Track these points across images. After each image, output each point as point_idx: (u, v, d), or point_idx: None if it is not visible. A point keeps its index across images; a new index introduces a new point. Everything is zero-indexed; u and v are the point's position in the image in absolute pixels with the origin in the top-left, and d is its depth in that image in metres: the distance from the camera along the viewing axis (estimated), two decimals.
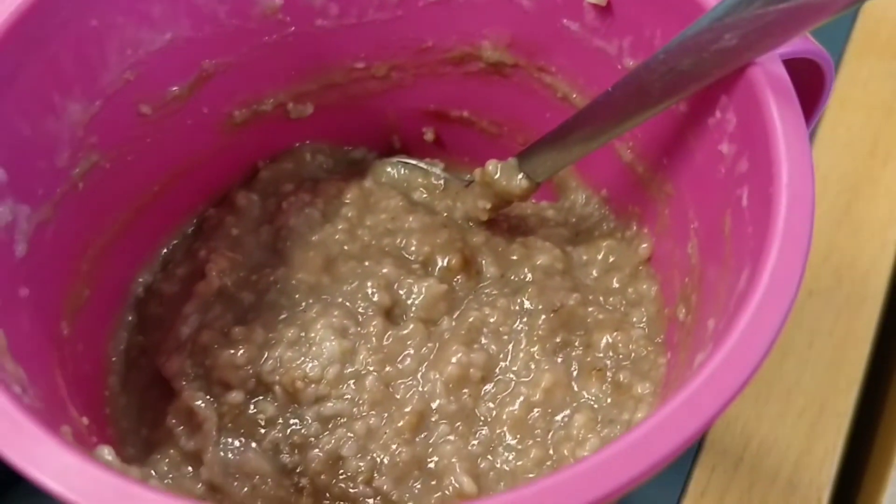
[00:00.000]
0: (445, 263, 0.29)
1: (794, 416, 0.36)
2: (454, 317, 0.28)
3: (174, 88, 0.28)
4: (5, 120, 0.23)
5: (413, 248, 0.29)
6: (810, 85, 0.27)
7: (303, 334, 0.27)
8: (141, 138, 0.28)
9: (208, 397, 0.26)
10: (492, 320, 0.27)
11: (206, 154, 0.30)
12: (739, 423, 0.36)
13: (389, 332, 0.27)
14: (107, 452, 0.20)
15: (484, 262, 0.29)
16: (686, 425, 0.17)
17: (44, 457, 0.16)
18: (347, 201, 0.31)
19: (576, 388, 0.26)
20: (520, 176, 0.28)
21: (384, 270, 0.28)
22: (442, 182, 0.32)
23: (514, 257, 0.29)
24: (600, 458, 0.17)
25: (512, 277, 0.29)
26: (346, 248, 0.29)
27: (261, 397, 0.27)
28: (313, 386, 0.26)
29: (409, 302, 0.28)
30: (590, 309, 0.27)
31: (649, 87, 0.24)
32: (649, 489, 0.34)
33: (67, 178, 0.26)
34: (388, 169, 0.32)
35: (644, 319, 0.27)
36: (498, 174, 0.29)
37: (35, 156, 0.24)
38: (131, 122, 0.27)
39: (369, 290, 0.28)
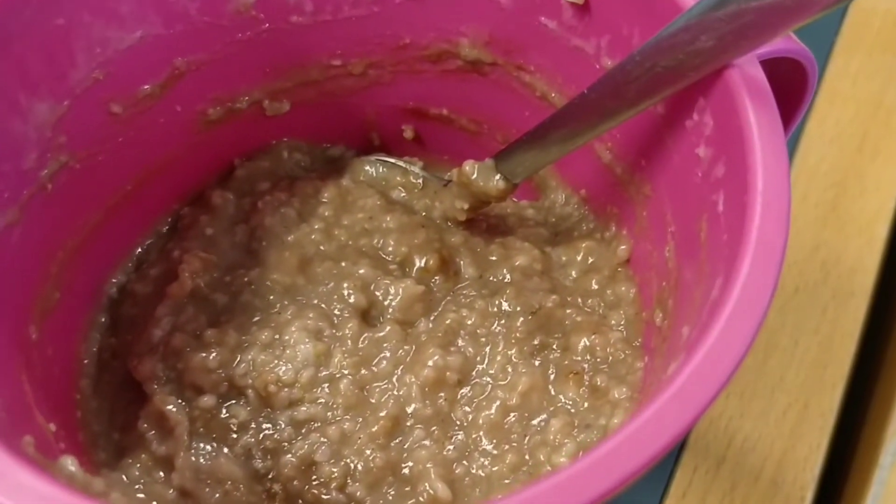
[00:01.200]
0: (423, 264, 0.29)
1: (778, 414, 0.36)
2: (431, 319, 0.27)
3: (146, 87, 0.28)
4: None
5: (391, 249, 0.29)
6: (794, 83, 0.27)
7: (277, 337, 0.27)
8: (112, 138, 0.27)
9: (180, 401, 0.26)
10: (469, 322, 0.27)
11: (181, 152, 0.30)
12: (723, 420, 0.36)
13: (365, 335, 0.27)
14: (70, 463, 0.20)
15: (462, 262, 0.29)
16: (655, 439, 0.17)
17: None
18: (324, 200, 0.30)
19: (553, 392, 0.26)
20: (497, 177, 0.28)
21: (361, 271, 0.28)
22: (420, 181, 0.31)
23: (493, 258, 0.29)
24: (571, 473, 0.17)
25: (490, 278, 0.29)
26: (322, 248, 0.29)
27: (233, 401, 0.26)
28: (287, 390, 0.26)
29: (385, 303, 0.28)
30: (568, 311, 0.27)
31: (626, 88, 0.23)
32: (630, 490, 0.34)
33: (35, 179, 0.25)
34: (367, 167, 0.32)
35: (622, 322, 0.27)
36: (475, 175, 0.28)
37: (1, 158, 0.24)
38: (102, 122, 0.27)
39: (345, 292, 0.28)
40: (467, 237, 0.30)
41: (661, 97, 0.23)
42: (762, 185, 0.20)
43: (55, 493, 0.16)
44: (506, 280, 0.28)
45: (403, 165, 0.32)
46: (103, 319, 0.29)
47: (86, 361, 0.28)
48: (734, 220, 0.20)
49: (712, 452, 0.35)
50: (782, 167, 0.20)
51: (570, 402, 0.26)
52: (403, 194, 0.31)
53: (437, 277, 0.28)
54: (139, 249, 0.30)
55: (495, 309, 0.27)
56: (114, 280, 0.29)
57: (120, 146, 0.28)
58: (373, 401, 0.26)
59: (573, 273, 0.29)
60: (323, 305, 0.28)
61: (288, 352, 0.26)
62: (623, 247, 0.28)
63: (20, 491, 0.16)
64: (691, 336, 0.20)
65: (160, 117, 0.29)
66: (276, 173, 0.31)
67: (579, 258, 0.29)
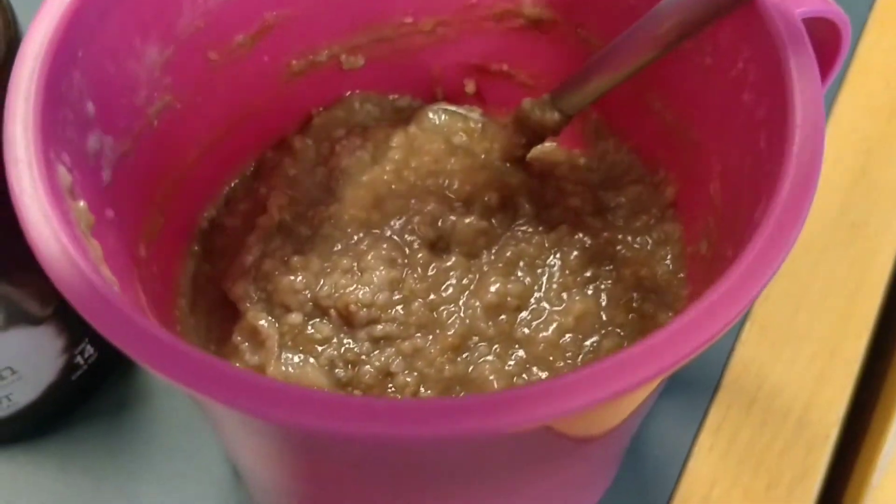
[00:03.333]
0: (486, 201, 0.31)
1: (805, 361, 0.39)
2: (493, 252, 0.30)
3: (239, 37, 0.31)
4: (95, 60, 0.26)
5: (455, 188, 0.32)
6: (828, 45, 0.29)
7: (355, 264, 0.30)
8: (209, 82, 0.30)
9: (270, 318, 0.29)
10: (527, 254, 0.30)
11: (267, 100, 0.33)
12: (754, 367, 0.39)
13: (434, 264, 0.30)
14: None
15: (520, 201, 0.31)
16: (707, 328, 0.19)
17: (150, 341, 0.19)
18: (394, 145, 0.33)
19: (604, 318, 0.28)
20: (552, 111, 0.31)
21: (428, 208, 0.31)
22: (480, 126, 0.34)
23: (548, 198, 0.32)
24: (658, 338, 0.19)
25: (546, 217, 0.31)
26: (393, 187, 0.32)
27: (317, 319, 0.29)
28: (365, 310, 0.29)
29: (451, 237, 0.30)
30: (618, 248, 0.30)
31: (666, 20, 0.26)
32: (668, 424, 0.37)
33: (144, 115, 0.28)
34: (430, 115, 0.34)
35: (669, 257, 0.30)
36: (533, 109, 0.31)
37: (118, 93, 0.27)
38: (201, 67, 0.30)
39: (416, 226, 0.30)
40: (525, 178, 0.32)
41: (697, 32, 0.26)
42: (800, 120, 0.22)
43: (195, 353, 0.19)
44: (560, 219, 0.31)
45: (464, 112, 0.34)
46: (196, 248, 0.32)
47: (183, 283, 0.31)
48: (775, 152, 0.23)
49: (744, 393, 0.38)
50: (818, 108, 0.23)
51: (620, 326, 0.28)
52: (465, 139, 0.34)
53: (497, 214, 0.31)
54: (227, 188, 0.33)
55: (550, 244, 0.30)
56: (206, 214, 0.32)
57: (215, 91, 0.31)
58: (441, 321, 0.29)
59: (623, 214, 0.31)
60: (396, 238, 0.30)
61: (365, 276, 0.29)
62: (670, 189, 0.30)
63: (169, 354, 0.19)
64: (735, 255, 0.23)
65: (250, 66, 0.31)
66: (349, 122, 0.34)
67: (628, 200, 0.31)
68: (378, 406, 0.18)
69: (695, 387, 0.38)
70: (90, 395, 0.36)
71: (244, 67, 0.31)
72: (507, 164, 0.33)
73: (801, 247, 0.41)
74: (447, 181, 0.32)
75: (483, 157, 0.33)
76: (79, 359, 0.34)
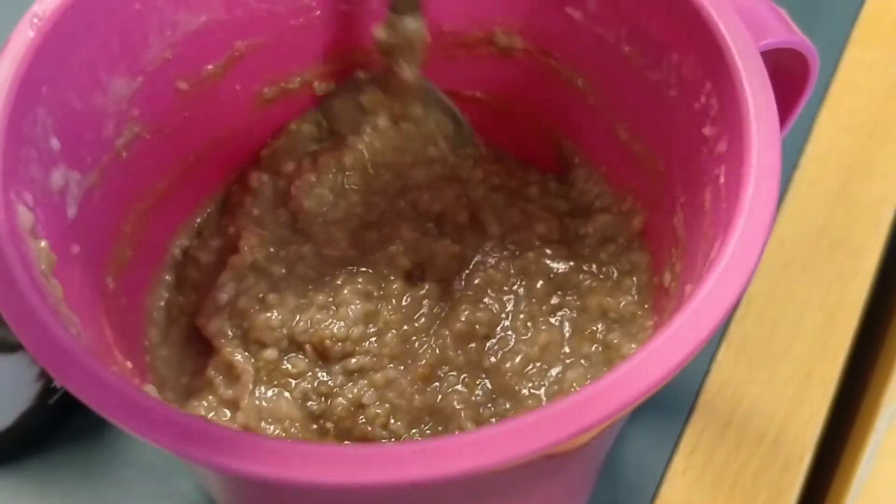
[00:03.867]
0: (458, 220, 0.32)
1: (782, 381, 0.39)
2: (463, 277, 0.30)
3: (209, 67, 0.31)
4: (60, 95, 0.26)
5: (424, 205, 0.32)
6: (797, 73, 0.29)
7: (331, 298, 0.30)
8: (178, 112, 0.30)
9: (246, 353, 0.29)
10: (495, 281, 0.30)
11: (238, 128, 0.33)
12: (731, 386, 0.39)
13: (408, 293, 0.30)
14: (151, 390, 0.23)
15: (487, 220, 0.32)
16: (649, 374, 0.19)
17: (101, 387, 0.19)
18: (349, 171, 0.33)
19: (568, 349, 0.29)
20: (406, 19, 0.31)
21: (406, 236, 0.31)
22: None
23: (515, 221, 0.32)
24: (595, 388, 0.19)
25: (513, 239, 0.31)
26: (364, 219, 0.32)
27: (293, 354, 0.29)
28: (340, 344, 0.29)
29: (428, 263, 0.31)
30: (583, 277, 0.30)
31: None
32: (641, 447, 0.37)
33: (112, 147, 0.28)
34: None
35: (634, 287, 0.30)
36: (390, 31, 0.31)
37: (84, 127, 0.27)
38: (170, 97, 0.30)
39: (393, 256, 0.31)
40: (488, 193, 0.33)
41: None
42: (756, 160, 0.22)
43: (151, 402, 0.19)
44: (526, 245, 0.31)
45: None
46: (168, 278, 0.32)
47: (154, 314, 0.31)
48: (731, 190, 0.23)
49: (719, 415, 0.38)
50: (774, 149, 0.23)
51: (585, 357, 0.28)
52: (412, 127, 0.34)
53: (468, 234, 0.31)
54: (199, 219, 0.33)
55: (516, 270, 0.30)
56: (177, 243, 0.32)
57: (185, 120, 0.31)
58: (413, 351, 0.29)
59: (590, 243, 0.31)
60: (371, 270, 0.31)
61: (341, 311, 0.30)
62: (637, 218, 0.31)
63: (123, 402, 0.19)
64: (692, 291, 0.23)
65: (221, 95, 0.32)
66: (295, 150, 0.34)
67: (596, 230, 0.31)
68: (338, 454, 0.18)
69: (669, 408, 0.38)
70: (67, 419, 0.37)
71: (214, 96, 0.31)
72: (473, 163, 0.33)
73: (779, 265, 0.41)
74: (415, 198, 0.32)
75: (443, 160, 0.33)
76: (55, 384, 0.34)
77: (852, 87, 0.47)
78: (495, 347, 0.29)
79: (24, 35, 0.25)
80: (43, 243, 0.23)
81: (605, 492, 0.35)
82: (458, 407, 0.28)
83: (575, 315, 0.29)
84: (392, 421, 0.28)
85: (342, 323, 0.29)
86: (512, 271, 0.30)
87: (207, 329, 0.30)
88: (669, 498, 0.36)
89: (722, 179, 0.24)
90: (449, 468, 0.18)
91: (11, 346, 0.32)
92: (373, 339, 0.29)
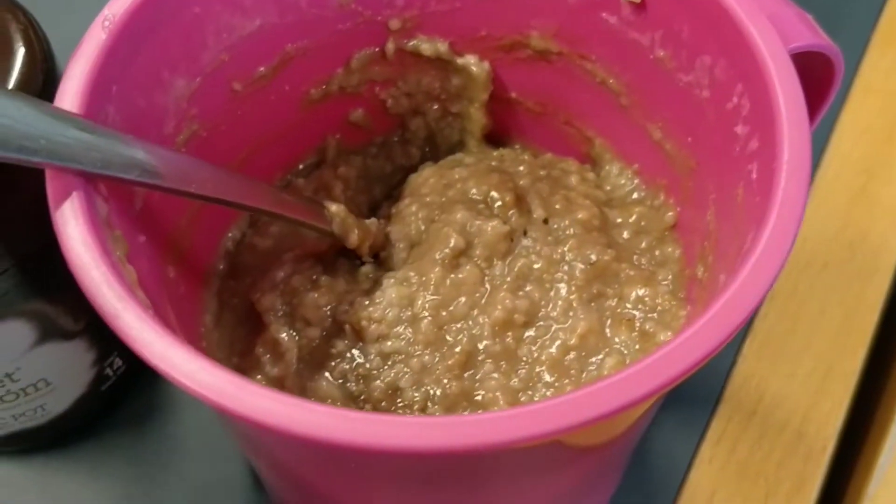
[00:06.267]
0: (505, 200, 0.33)
1: (804, 375, 0.40)
2: (507, 263, 0.31)
3: (261, 69, 0.32)
4: (127, 94, 0.27)
5: (474, 189, 0.33)
6: (822, 76, 0.31)
7: (376, 283, 0.32)
8: (233, 111, 0.32)
9: (291, 332, 0.30)
10: (536, 267, 0.31)
11: (287, 126, 0.35)
12: (754, 381, 0.40)
13: (449, 278, 0.31)
14: None
15: (532, 202, 0.33)
16: (690, 355, 0.21)
17: (181, 360, 0.21)
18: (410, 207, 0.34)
19: (608, 335, 0.30)
20: None
21: (458, 216, 0.32)
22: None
23: (557, 206, 0.33)
24: (644, 364, 0.21)
25: (554, 226, 0.32)
26: (422, 227, 0.33)
27: (334, 335, 0.31)
28: (375, 325, 0.30)
29: (476, 241, 0.32)
30: (622, 265, 0.31)
31: None
32: (670, 436, 0.38)
33: (172, 144, 0.30)
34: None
35: (669, 277, 0.31)
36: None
37: (148, 125, 0.29)
38: (225, 97, 0.32)
39: (446, 238, 0.32)
40: (534, 181, 0.34)
41: None
42: (787, 156, 0.24)
43: (223, 373, 0.21)
44: (568, 232, 0.32)
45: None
46: (221, 266, 0.33)
47: (209, 301, 0.32)
48: (763, 185, 0.24)
49: (744, 406, 0.39)
50: (805, 146, 0.24)
51: (623, 345, 0.30)
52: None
53: (513, 212, 0.33)
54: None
55: (559, 257, 0.31)
56: (230, 235, 0.34)
57: (238, 118, 0.32)
58: (449, 338, 0.30)
59: (626, 233, 0.33)
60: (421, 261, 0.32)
61: (378, 294, 0.31)
62: (670, 213, 0.32)
63: (199, 372, 0.21)
64: (726, 281, 0.24)
65: (271, 95, 0.33)
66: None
67: (632, 220, 0.33)
68: (402, 423, 0.20)
69: (696, 400, 0.39)
70: (118, 404, 0.38)
71: (266, 96, 0.33)
72: (520, 168, 0.35)
73: (800, 264, 0.42)
74: (463, 188, 0.34)
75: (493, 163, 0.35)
76: (108, 370, 0.36)
77: (872, 89, 0.49)
78: (534, 335, 0.30)
79: (97, 36, 0.26)
80: (117, 232, 0.25)
81: (636, 476, 0.36)
82: (495, 394, 0.29)
83: (613, 303, 0.30)
84: (429, 406, 0.29)
85: (378, 305, 0.31)
86: (554, 257, 0.31)
87: (260, 304, 0.31)
88: (696, 484, 0.37)
89: (754, 175, 0.26)
90: (513, 435, 0.19)
91: (70, 334, 0.33)
92: (408, 323, 0.30)
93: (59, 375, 0.34)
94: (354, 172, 0.36)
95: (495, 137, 0.38)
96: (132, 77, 0.28)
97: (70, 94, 0.25)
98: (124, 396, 0.38)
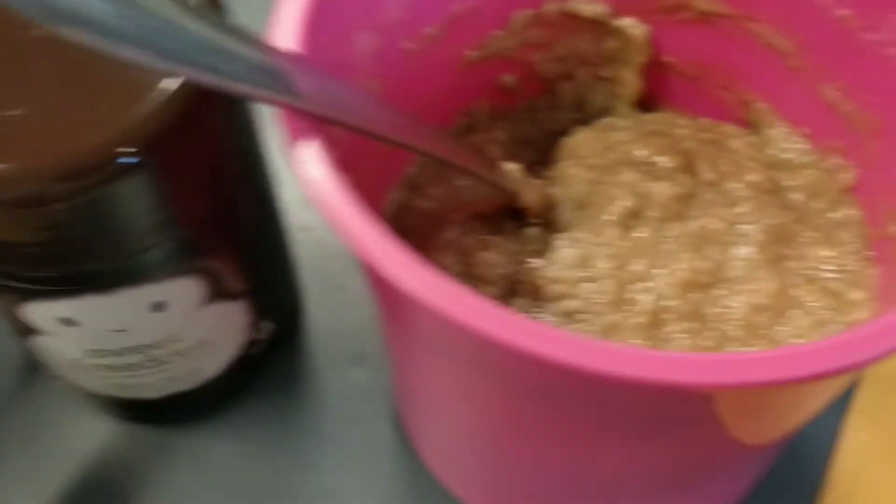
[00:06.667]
0: (674, 164, 0.33)
1: None
2: (682, 224, 0.31)
3: (430, 28, 0.32)
4: (321, 50, 0.27)
5: (638, 152, 0.33)
6: None
7: (546, 243, 0.31)
8: (404, 71, 0.32)
9: None
10: (713, 228, 0.31)
11: (443, 90, 0.34)
12: None
13: (625, 239, 0.31)
14: None
15: (701, 165, 0.33)
16: None
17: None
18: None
19: (795, 295, 0.30)
20: None
21: (626, 177, 0.32)
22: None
23: (725, 169, 0.33)
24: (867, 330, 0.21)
25: (726, 188, 0.32)
26: (589, 189, 0.33)
27: (512, 294, 0.31)
28: (553, 286, 0.30)
29: (648, 202, 0.31)
30: (800, 227, 0.31)
31: None
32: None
33: None
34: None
35: (850, 238, 0.31)
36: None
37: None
38: (399, 56, 0.31)
39: (616, 199, 0.32)
40: (698, 143, 0.34)
41: None
42: None
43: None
44: (742, 194, 0.32)
45: None
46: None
47: None
48: None
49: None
50: None
51: (812, 304, 0.29)
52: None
53: (681, 174, 0.32)
54: (407, 172, 0.35)
55: (734, 219, 0.31)
56: (389, 197, 0.34)
57: (409, 75, 0.32)
58: (634, 297, 0.30)
59: (800, 195, 0.32)
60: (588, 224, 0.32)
61: (555, 254, 0.31)
62: (846, 175, 0.32)
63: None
64: None
65: (435, 57, 0.33)
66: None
67: (803, 183, 0.33)
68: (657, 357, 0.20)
69: None
70: (263, 370, 0.38)
71: (430, 58, 0.33)
72: (681, 131, 0.34)
73: None
74: (625, 148, 0.33)
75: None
76: (260, 333, 0.36)
77: None
78: (719, 295, 0.30)
79: None
80: None
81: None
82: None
83: (796, 265, 0.30)
84: None
85: (554, 265, 0.30)
86: (730, 219, 0.31)
87: (436, 264, 0.31)
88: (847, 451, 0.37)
89: None
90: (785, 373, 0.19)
91: (234, 295, 0.33)
92: (589, 282, 0.30)
93: (220, 336, 0.34)
94: (507, 136, 0.36)
95: (642, 102, 0.37)
96: (324, 31, 0.27)
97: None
98: (267, 364, 0.38)
